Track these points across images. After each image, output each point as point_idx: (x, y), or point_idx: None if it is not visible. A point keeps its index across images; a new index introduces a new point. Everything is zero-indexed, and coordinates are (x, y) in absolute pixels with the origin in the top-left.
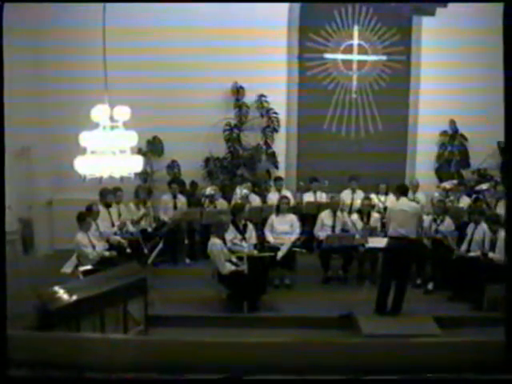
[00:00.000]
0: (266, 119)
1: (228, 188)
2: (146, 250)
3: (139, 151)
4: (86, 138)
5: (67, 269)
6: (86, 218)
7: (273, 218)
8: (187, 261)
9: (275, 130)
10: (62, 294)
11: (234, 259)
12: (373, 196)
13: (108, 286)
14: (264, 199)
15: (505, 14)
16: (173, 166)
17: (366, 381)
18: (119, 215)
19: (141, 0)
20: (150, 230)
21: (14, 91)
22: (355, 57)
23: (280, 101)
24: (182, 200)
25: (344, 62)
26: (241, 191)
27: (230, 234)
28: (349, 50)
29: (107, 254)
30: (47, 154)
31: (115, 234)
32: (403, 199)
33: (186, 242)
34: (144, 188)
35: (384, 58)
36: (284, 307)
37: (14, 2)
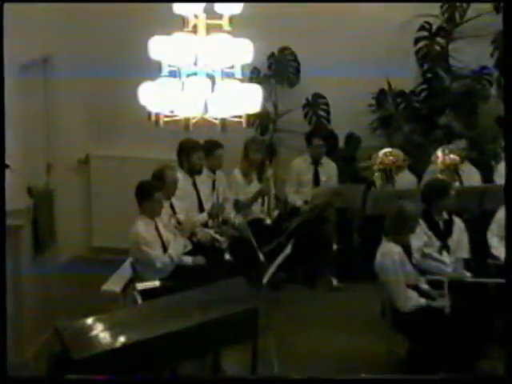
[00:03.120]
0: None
1: (419, 151)
2: (260, 258)
3: (254, 75)
4: (160, 46)
5: (114, 285)
6: (153, 192)
7: (504, 213)
8: (334, 282)
9: None
10: (100, 332)
11: (424, 285)
12: None
13: (186, 321)
14: (488, 175)
15: (505, 14)
16: (314, 103)
17: (365, 381)
18: (214, 191)
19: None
20: (268, 221)
21: None
22: None
23: None
24: (329, 168)
25: None
26: (443, 157)
27: (420, 238)
28: None
29: (190, 260)
30: (82, 72)
31: (206, 225)
32: None
33: (335, 246)
34: (262, 144)
35: None
36: None
37: (14, 2)
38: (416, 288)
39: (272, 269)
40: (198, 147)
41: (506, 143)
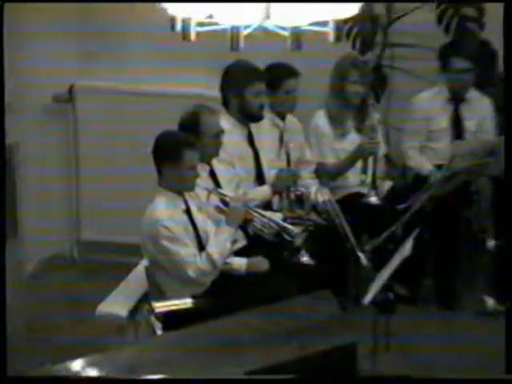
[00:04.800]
0: None
1: None
2: (360, 260)
3: None
4: None
5: (117, 305)
6: (181, 152)
7: None
8: (490, 303)
9: None
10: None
11: None
12: None
13: (240, 365)
14: None
15: (505, 14)
16: None
17: (365, 381)
18: (282, 149)
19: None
20: (373, 198)
21: None
22: None
23: None
24: (480, 109)
25: None
26: None
27: None
28: None
29: (243, 264)
30: None
31: (268, 206)
32: None
33: (491, 242)
34: (363, 69)
35: None
36: None
37: (14, 2)
38: None
39: (380, 280)
40: (255, 76)
41: (506, 143)
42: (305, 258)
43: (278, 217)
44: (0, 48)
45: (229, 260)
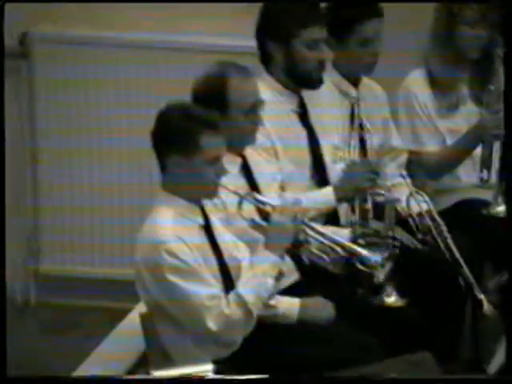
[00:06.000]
0: None
1: None
2: (483, 305)
3: None
4: None
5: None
6: (196, 135)
7: None
8: None
9: None
10: None
11: None
12: None
13: None
14: None
15: (505, 14)
16: None
17: (365, 381)
18: (352, 128)
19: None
20: (501, 208)
21: None
22: None
23: None
24: None
25: None
26: None
27: None
28: None
29: (295, 309)
30: None
31: (333, 218)
32: None
33: None
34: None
35: None
36: None
37: (15, 3)
38: None
39: None
40: (312, 17)
41: (505, 143)
42: (391, 300)
43: (346, 236)
44: (0, 48)
45: (272, 303)
